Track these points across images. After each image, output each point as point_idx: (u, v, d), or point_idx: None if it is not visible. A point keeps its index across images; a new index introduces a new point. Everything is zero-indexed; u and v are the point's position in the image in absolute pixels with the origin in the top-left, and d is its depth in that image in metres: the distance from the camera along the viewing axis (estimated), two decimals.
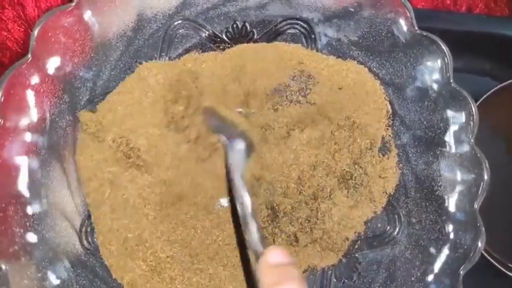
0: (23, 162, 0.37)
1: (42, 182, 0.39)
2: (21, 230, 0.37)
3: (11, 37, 0.47)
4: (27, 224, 0.38)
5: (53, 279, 0.38)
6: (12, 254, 0.36)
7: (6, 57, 0.48)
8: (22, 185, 0.38)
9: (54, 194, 0.40)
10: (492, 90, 0.46)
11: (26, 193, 0.38)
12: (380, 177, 0.44)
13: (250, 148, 0.42)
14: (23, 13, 0.47)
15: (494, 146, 0.49)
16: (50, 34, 0.37)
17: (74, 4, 0.37)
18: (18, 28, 0.47)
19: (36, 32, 0.36)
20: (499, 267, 0.45)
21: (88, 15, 0.39)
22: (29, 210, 0.38)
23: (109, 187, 0.41)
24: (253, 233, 0.37)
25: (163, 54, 0.44)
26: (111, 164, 0.41)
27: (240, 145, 0.41)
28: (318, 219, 0.42)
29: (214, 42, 0.45)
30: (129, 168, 0.41)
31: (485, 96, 0.46)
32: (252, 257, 0.36)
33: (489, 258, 0.45)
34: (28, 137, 0.38)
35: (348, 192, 0.43)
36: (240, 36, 0.45)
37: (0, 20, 0.48)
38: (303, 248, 0.43)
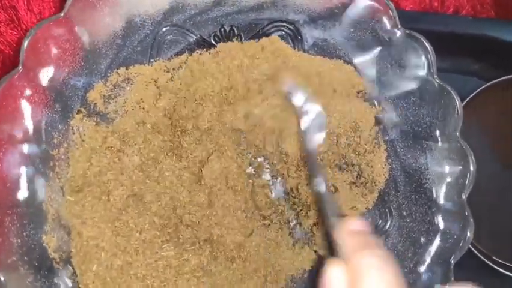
0: (18, 173, 0.37)
1: (38, 192, 0.39)
2: (19, 241, 0.37)
3: (4, 40, 0.47)
4: (24, 234, 0.38)
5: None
6: (10, 265, 0.36)
7: None
8: (18, 195, 0.38)
9: (50, 203, 0.40)
10: (478, 90, 0.48)
11: (22, 203, 0.38)
12: (370, 172, 0.45)
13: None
14: (16, 16, 0.47)
15: (481, 143, 0.50)
16: (40, 45, 0.37)
17: (63, 14, 0.37)
18: (11, 31, 0.47)
19: (26, 44, 0.36)
20: (484, 260, 0.47)
21: (77, 24, 0.39)
22: (26, 220, 0.38)
23: None
24: (329, 204, 0.38)
25: (152, 60, 0.44)
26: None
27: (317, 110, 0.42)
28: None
29: (203, 47, 0.45)
30: None
31: (472, 95, 0.47)
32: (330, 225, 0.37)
33: (475, 251, 0.46)
34: (22, 147, 0.38)
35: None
36: (228, 39, 0.46)
37: None
38: (299, 249, 0.44)
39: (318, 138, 0.42)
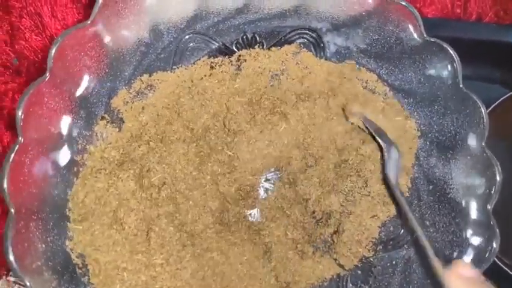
0: (43, 179, 0.38)
1: (62, 198, 0.39)
2: (43, 246, 0.38)
3: (29, 46, 0.47)
4: (49, 239, 0.38)
5: None
6: (35, 270, 0.36)
7: (23, 66, 0.48)
8: (43, 201, 0.38)
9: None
10: (503, 98, 0.47)
11: (47, 209, 0.38)
12: None
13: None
14: (41, 23, 0.47)
15: (506, 152, 0.49)
16: (66, 52, 0.37)
17: (89, 22, 0.38)
18: (35, 37, 0.47)
19: (53, 51, 0.36)
20: (509, 272, 0.46)
21: (102, 32, 0.39)
22: (50, 226, 0.38)
23: None
24: (428, 249, 0.38)
25: (175, 67, 0.45)
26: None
27: (395, 154, 0.43)
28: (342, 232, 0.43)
29: (225, 54, 0.45)
30: None
31: (496, 103, 0.47)
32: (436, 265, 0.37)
33: (500, 264, 0.45)
34: (48, 153, 0.38)
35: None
36: (250, 47, 0.46)
37: (18, 30, 0.48)
38: (319, 257, 0.44)
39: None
